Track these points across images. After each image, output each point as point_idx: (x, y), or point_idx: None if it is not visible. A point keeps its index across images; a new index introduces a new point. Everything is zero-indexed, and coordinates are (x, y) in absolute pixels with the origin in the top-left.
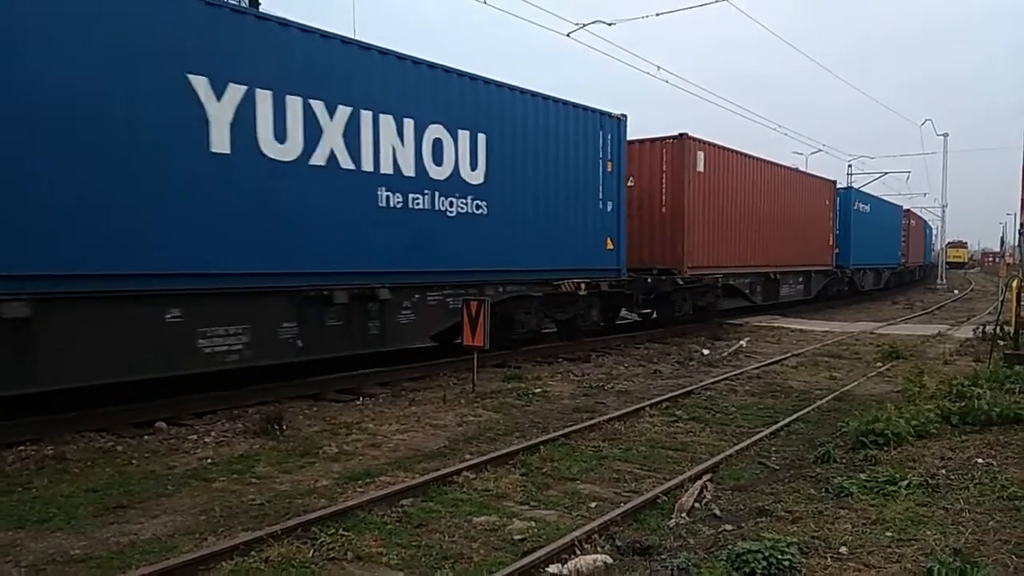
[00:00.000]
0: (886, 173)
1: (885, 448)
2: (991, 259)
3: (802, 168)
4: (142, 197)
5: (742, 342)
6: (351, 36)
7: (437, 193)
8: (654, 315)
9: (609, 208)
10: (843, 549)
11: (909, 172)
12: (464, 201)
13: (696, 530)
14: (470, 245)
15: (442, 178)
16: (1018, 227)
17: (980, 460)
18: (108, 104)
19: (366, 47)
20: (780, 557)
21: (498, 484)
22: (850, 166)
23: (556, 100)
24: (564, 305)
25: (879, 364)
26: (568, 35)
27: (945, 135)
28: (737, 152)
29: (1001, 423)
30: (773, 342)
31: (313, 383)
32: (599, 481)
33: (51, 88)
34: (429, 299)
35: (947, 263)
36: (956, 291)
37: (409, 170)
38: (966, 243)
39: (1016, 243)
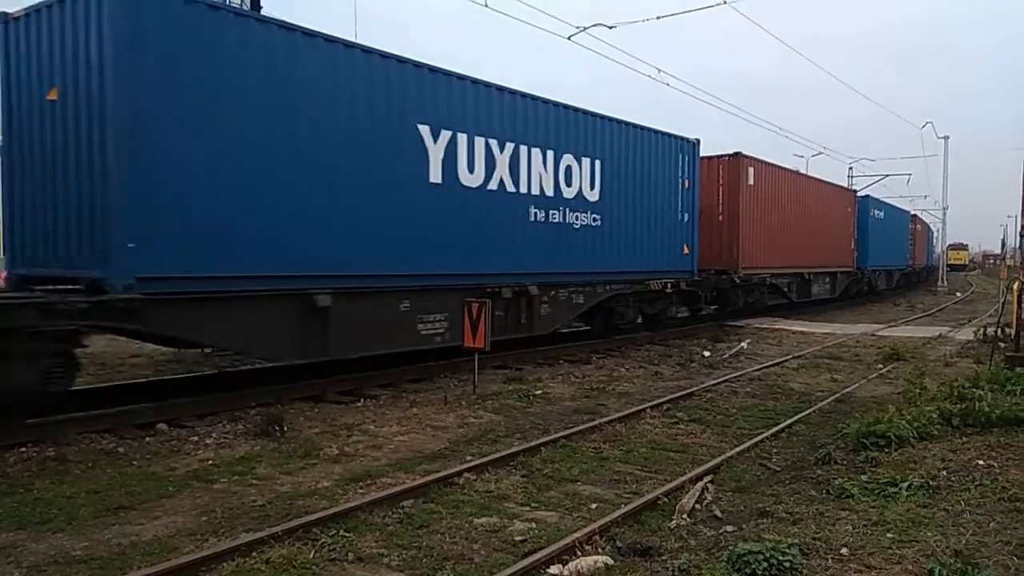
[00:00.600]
0: (887, 176)
1: (886, 450)
2: (992, 261)
3: (803, 171)
4: (391, 220)
5: (743, 344)
6: (484, 78)
7: (568, 209)
8: (716, 308)
9: (685, 219)
10: (844, 550)
11: (910, 175)
12: (585, 215)
13: (697, 531)
14: (588, 251)
15: (571, 197)
16: (1019, 229)
17: (981, 462)
18: (359, 143)
19: (523, 95)
20: (781, 558)
21: (499, 485)
22: (851, 168)
23: (647, 129)
24: (652, 301)
25: (880, 366)
26: (569, 38)
27: (946, 138)
28: (779, 167)
29: (1002, 425)
30: (774, 344)
31: (314, 385)
32: (600, 482)
33: (344, 143)
34: (560, 295)
35: (948, 265)
36: (957, 293)
37: (549, 191)
38: (967, 245)
39: (1017, 245)
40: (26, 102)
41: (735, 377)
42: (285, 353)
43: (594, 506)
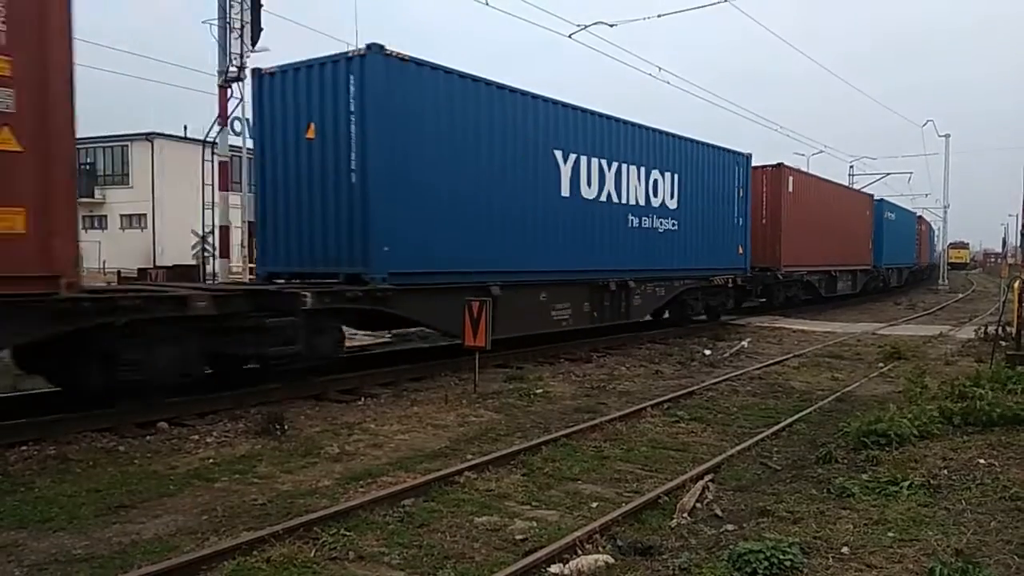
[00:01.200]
0: (888, 174)
1: (887, 448)
2: (993, 260)
3: (805, 170)
4: (535, 226)
5: (744, 343)
6: (599, 109)
7: (654, 216)
8: (764, 301)
9: (740, 223)
10: (845, 549)
11: (911, 173)
12: (667, 221)
13: (697, 530)
14: (668, 251)
15: (657, 205)
16: (1020, 228)
17: (982, 461)
18: (516, 166)
19: (624, 121)
20: (782, 557)
21: (500, 484)
22: (852, 167)
23: (713, 146)
24: (714, 294)
25: (881, 365)
26: (570, 36)
27: (947, 136)
28: (814, 176)
29: (1003, 424)
30: (775, 343)
31: (315, 384)
32: (600, 481)
33: (504, 167)
34: (648, 288)
35: (949, 264)
36: (958, 292)
37: (642, 201)
38: (968, 244)
39: (1018, 244)
40: (280, 139)
41: (736, 376)
42: (461, 330)
43: (595, 505)
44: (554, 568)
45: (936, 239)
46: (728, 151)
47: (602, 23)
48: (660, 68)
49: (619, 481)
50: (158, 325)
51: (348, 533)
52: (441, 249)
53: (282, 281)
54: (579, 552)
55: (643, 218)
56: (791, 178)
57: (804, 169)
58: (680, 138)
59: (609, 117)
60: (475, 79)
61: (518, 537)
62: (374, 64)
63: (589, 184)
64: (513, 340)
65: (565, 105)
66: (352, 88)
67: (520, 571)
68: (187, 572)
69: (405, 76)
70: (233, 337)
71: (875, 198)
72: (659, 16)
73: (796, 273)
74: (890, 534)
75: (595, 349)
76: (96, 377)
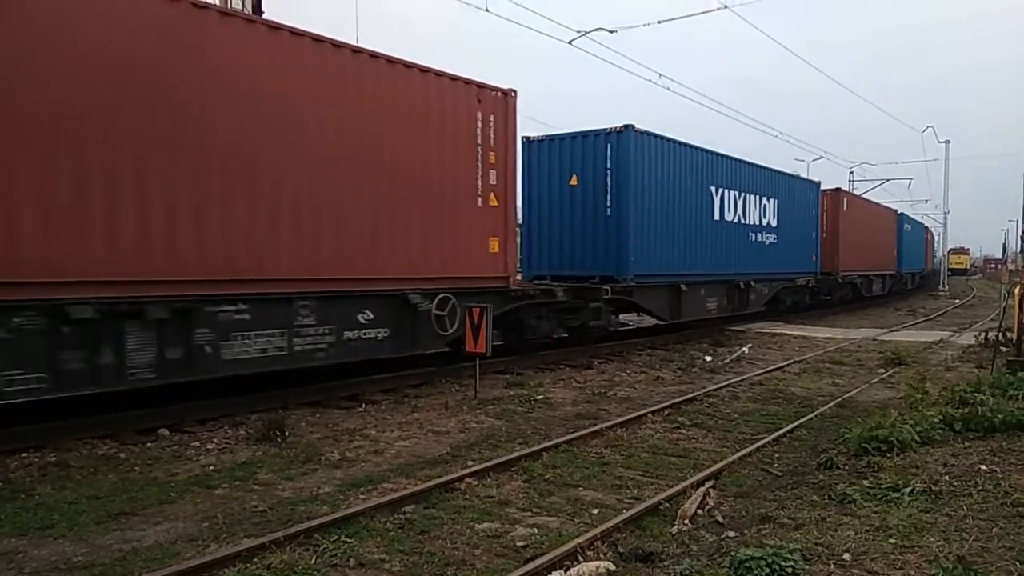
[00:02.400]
0: (888, 180)
1: (888, 455)
2: (993, 265)
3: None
4: (699, 241)
5: (744, 349)
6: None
7: (764, 232)
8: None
9: (813, 236)
10: (846, 556)
11: (911, 179)
12: (770, 236)
13: (699, 537)
14: (771, 259)
15: (765, 224)
16: (1020, 233)
17: (983, 467)
18: (692, 199)
19: (748, 163)
20: (783, 564)
21: (500, 491)
22: (851, 173)
23: (797, 177)
24: (796, 293)
25: (881, 371)
26: (570, 43)
27: (947, 142)
28: (859, 196)
29: (1004, 430)
30: (775, 349)
31: (315, 390)
32: (601, 488)
33: (672, 192)
34: (760, 287)
35: (949, 269)
36: (958, 298)
37: (757, 221)
38: (968, 249)
39: (1018, 249)
40: (546, 185)
41: (736, 382)
42: (665, 315)
43: (596, 511)
44: (555, 575)
45: (936, 245)
46: (806, 180)
47: (603, 29)
48: (660, 74)
49: (620, 487)
50: (540, 306)
51: (349, 540)
52: (656, 259)
53: (544, 281)
54: (580, 559)
55: (758, 234)
56: (845, 199)
57: (852, 191)
58: (777, 172)
59: (739, 160)
60: (673, 141)
61: (519, 544)
62: (627, 138)
63: (728, 210)
64: (512, 348)
65: (716, 153)
66: (609, 152)
67: None
68: None
69: (640, 143)
70: (574, 314)
71: (897, 212)
72: (659, 22)
73: (849, 276)
74: (891, 540)
75: (596, 355)
76: (518, 334)
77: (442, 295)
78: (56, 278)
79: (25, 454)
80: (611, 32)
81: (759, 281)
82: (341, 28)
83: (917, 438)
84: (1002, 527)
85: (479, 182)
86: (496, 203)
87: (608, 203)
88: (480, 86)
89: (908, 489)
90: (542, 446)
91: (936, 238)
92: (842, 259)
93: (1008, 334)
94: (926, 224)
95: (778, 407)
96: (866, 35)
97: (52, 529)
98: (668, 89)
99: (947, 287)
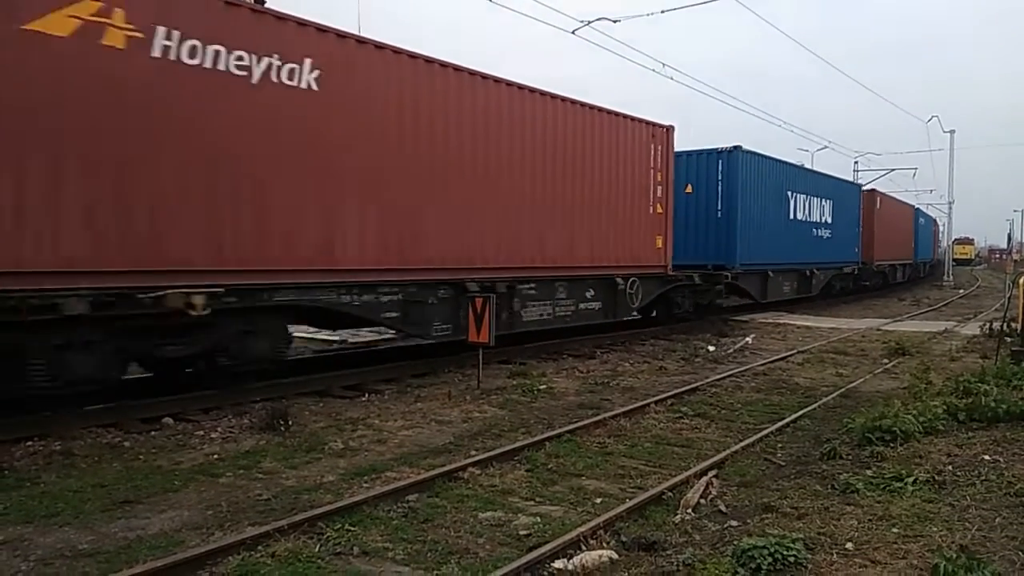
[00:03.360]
0: (892, 170)
1: (891, 445)
2: (998, 256)
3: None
4: (777, 237)
5: (748, 339)
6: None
7: (822, 228)
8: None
9: (856, 231)
10: (849, 545)
11: (916, 169)
12: (827, 231)
13: (702, 526)
14: (827, 251)
15: (823, 221)
16: None
17: (987, 457)
18: (775, 203)
19: (809, 169)
20: (786, 553)
21: (503, 480)
22: (856, 163)
23: (844, 180)
24: (844, 279)
25: (885, 361)
26: (573, 32)
27: (952, 132)
28: (887, 194)
29: (1008, 420)
30: (779, 339)
31: (319, 379)
32: (604, 477)
33: (763, 197)
34: (820, 274)
35: (954, 260)
36: (962, 288)
37: (818, 219)
38: (972, 240)
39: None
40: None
41: (740, 372)
42: (758, 296)
43: (598, 500)
44: (558, 563)
45: (941, 235)
46: (851, 183)
47: (605, 19)
48: (664, 64)
49: (623, 477)
50: (683, 287)
51: (352, 528)
52: (753, 251)
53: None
54: (583, 548)
55: (818, 230)
56: (879, 198)
57: (881, 190)
58: (831, 176)
59: (806, 169)
60: (764, 156)
61: (522, 533)
62: (735, 156)
63: (799, 211)
64: (516, 337)
65: (791, 164)
66: (720, 166)
67: (524, 567)
68: (192, 567)
69: (744, 160)
70: (703, 294)
71: (914, 207)
72: (662, 12)
73: (881, 266)
74: (894, 530)
75: (599, 345)
76: (667, 308)
77: (632, 278)
78: (459, 264)
79: (30, 443)
80: (614, 22)
81: (820, 269)
82: (339, 16)
83: (921, 428)
84: (1005, 517)
85: (651, 195)
86: (661, 211)
87: (719, 207)
88: (652, 124)
89: (911, 479)
90: (545, 436)
91: (941, 228)
92: (877, 250)
93: (1012, 324)
94: (932, 215)
95: (781, 397)
96: (870, 25)
97: (57, 517)
98: (672, 79)
99: (952, 277)
